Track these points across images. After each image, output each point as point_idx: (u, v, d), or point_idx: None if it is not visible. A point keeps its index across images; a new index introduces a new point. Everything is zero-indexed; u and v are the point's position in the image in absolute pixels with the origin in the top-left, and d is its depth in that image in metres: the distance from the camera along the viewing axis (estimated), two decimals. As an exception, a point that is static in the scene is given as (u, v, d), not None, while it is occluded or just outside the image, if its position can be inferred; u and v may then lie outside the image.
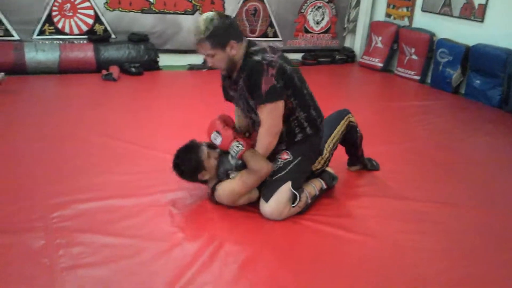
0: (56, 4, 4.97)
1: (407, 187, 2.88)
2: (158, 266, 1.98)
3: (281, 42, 6.17)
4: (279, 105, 2.30)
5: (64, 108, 3.89)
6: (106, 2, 5.17)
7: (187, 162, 2.41)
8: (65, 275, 1.88)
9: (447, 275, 2.05)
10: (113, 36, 5.31)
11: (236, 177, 2.37)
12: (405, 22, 6.00)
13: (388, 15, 6.28)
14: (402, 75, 5.81)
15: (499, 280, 2.06)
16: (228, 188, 2.37)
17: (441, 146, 3.61)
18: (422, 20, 5.76)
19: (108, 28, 5.27)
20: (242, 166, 2.38)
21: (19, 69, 4.66)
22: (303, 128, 2.44)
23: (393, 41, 6.00)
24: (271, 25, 6.10)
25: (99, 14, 5.19)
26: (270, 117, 2.30)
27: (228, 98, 2.58)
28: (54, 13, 4.99)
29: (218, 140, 2.41)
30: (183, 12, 5.54)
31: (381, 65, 6.09)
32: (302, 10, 6.25)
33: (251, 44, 2.35)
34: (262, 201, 2.38)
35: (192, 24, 2.31)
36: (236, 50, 2.27)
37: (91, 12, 5.16)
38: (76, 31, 5.15)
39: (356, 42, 6.64)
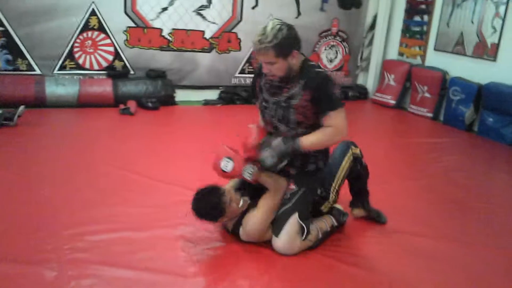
0: (78, 40, 5.15)
1: (420, 223, 2.86)
2: (169, 299, 1.98)
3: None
4: (344, 112, 2.40)
5: (82, 141, 3.98)
6: (126, 40, 5.35)
7: (209, 206, 2.32)
8: (77, 306, 1.89)
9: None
10: (131, 72, 5.46)
11: (258, 208, 2.35)
12: (418, 60, 6.08)
13: (400, 53, 6.37)
14: (415, 112, 5.84)
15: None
16: (257, 221, 2.34)
17: (455, 183, 3.59)
18: (434, 58, 5.83)
19: (127, 64, 5.43)
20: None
21: (39, 103, 4.80)
22: (317, 161, 2.48)
23: (405, 79, 6.06)
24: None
25: (119, 50, 5.36)
26: (342, 121, 2.37)
27: (257, 99, 2.59)
28: (75, 49, 5.17)
29: (229, 167, 2.34)
30: (200, 50, 5.70)
31: (394, 102, 6.14)
32: (316, 49, 6.38)
33: (308, 59, 2.44)
34: (273, 237, 2.38)
35: (257, 29, 2.31)
36: (295, 60, 2.33)
37: (111, 49, 5.33)
38: (96, 66, 5.32)
39: (369, 80, 6.72)
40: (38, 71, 5.06)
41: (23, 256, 2.22)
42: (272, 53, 2.25)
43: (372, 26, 6.59)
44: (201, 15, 5.62)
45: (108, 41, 5.29)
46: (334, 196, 2.55)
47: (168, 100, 5.41)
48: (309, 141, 2.34)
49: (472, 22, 5.28)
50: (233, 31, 5.83)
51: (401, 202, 3.12)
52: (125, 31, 5.31)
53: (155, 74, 5.43)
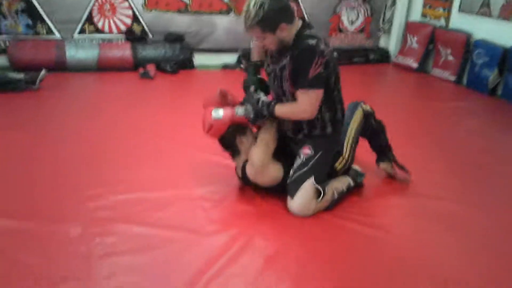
0: (96, 4, 5.14)
1: (439, 186, 2.85)
2: (189, 256, 2.04)
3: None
4: (320, 94, 2.31)
5: (102, 105, 4.03)
6: (144, 3, 5.32)
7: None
8: (101, 263, 1.97)
9: (476, 274, 2.04)
10: (150, 35, 5.45)
11: (257, 142, 2.44)
12: (442, 22, 5.90)
13: (424, 15, 6.19)
14: (438, 76, 5.72)
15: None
16: (258, 150, 2.39)
17: (477, 147, 3.55)
18: (459, 20, 5.65)
19: (146, 28, 5.42)
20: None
21: (59, 66, 4.84)
22: (325, 127, 2.47)
23: (428, 41, 5.91)
24: (305, 25, 6.10)
25: (137, 14, 5.33)
26: (309, 102, 2.31)
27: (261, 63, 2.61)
28: (94, 13, 5.17)
29: (220, 112, 2.46)
30: (218, 12, 5.63)
31: (416, 65, 6.01)
32: (337, 10, 6.24)
33: (306, 26, 2.36)
34: (288, 198, 2.41)
35: (242, 8, 2.30)
36: (286, 32, 2.28)
37: (129, 12, 5.31)
38: (115, 30, 5.32)
39: (391, 42, 6.58)
40: (58, 35, 5.09)
41: (50, 215, 2.30)
42: (258, 30, 2.25)
43: (395, -14, 6.40)
44: (219, -24, 5.53)
45: (126, 4, 5.27)
46: (348, 152, 2.57)
47: (186, 64, 5.40)
48: (280, 110, 2.37)
49: (500, -19, 5.08)
50: (251, -8, 5.72)
51: (422, 164, 3.10)
52: (143, -7, 5.28)
53: (174, 38, 5.41)
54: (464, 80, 5.48)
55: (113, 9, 5.24)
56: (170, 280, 1.90)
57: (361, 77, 5.66)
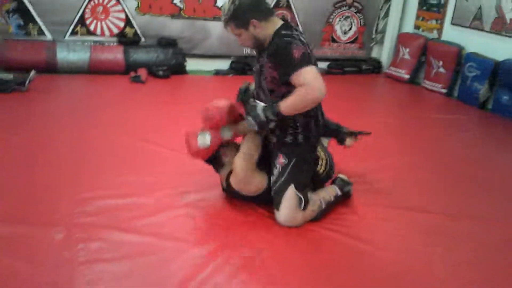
0: (89, 6, 5.11)
1: (429, 198, 2.84)
2: (174, 265, 2.01)
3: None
4: (315, 69, 2.16)
5: (92, 108, 3.99)
6: (137, 6, 5.29)
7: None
8: (84, 269, 1.93)
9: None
10: (142, 39, 5.42)
11: (240, 150, 2.43)
12: (434, 34, 5.94)
13: (417, 27, 6.23)
14: (429, 88, 5.74)
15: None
16: (240, 159, 2.37)
17: (467, 159, 3.56)
18: (451, 33, 5.70)
19: (138, 32, 5.39)
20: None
21: (50, 68, 4.79)
22: (296, 133, 2.37)
23: (421, 53, 5.94)
24: (298, 33, 6.10)
25: (130, 17, 5.31)
26: (311, 77, 2.11)
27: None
28: (86, 15, 5.13)
29: (208, 139, 2.45)
30: (211, 19, 5.62)
31: (407, 76, 6.04)
32: (330, 20, 6.26)
33: (286, 27, 2.29)
34: (275, 210, 2.39)
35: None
36: (260, 29, 2.27)
37: (122, 15, 5.28)
38: (107, 33, 5.28)
39: (383, 53, 6.61)
40: (49, 37, 5.05)
41: (31, 218, 2.26)
42: (232, 26, 2.30)
43: (389, -2, 6.44)
44: (213, -18, 5.53)
45: (119, 7, 5.24)
46: (322, 153, 2.58)
47: (179, 69, 5.37)
48: (285, 104, 2.19)
49: (492, -4, 5.13)
50: None
51: (411, 177, 3.10)
52: (136, -3, 5.26)
53: (166, 42, 5.39)
54: (455, 93, 5.52)
55: (106, 11, 5.21)
56: (154, 289, 1.87)
57: (353, 87, 5.67)
